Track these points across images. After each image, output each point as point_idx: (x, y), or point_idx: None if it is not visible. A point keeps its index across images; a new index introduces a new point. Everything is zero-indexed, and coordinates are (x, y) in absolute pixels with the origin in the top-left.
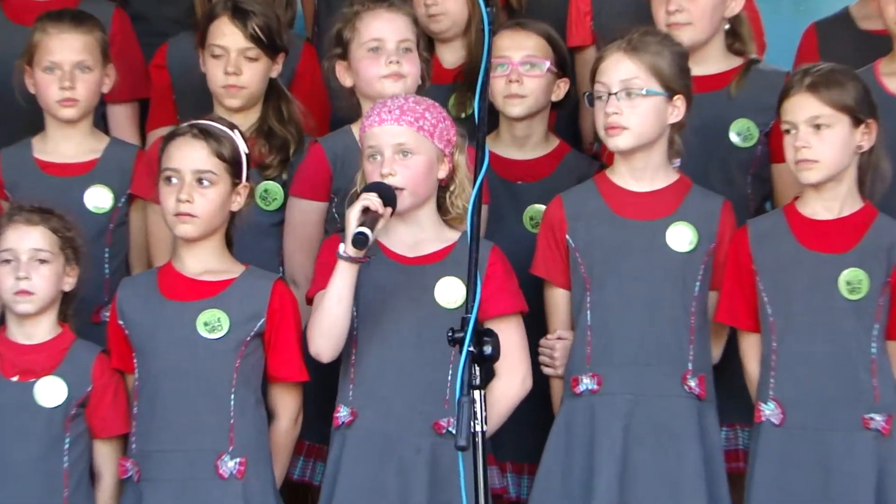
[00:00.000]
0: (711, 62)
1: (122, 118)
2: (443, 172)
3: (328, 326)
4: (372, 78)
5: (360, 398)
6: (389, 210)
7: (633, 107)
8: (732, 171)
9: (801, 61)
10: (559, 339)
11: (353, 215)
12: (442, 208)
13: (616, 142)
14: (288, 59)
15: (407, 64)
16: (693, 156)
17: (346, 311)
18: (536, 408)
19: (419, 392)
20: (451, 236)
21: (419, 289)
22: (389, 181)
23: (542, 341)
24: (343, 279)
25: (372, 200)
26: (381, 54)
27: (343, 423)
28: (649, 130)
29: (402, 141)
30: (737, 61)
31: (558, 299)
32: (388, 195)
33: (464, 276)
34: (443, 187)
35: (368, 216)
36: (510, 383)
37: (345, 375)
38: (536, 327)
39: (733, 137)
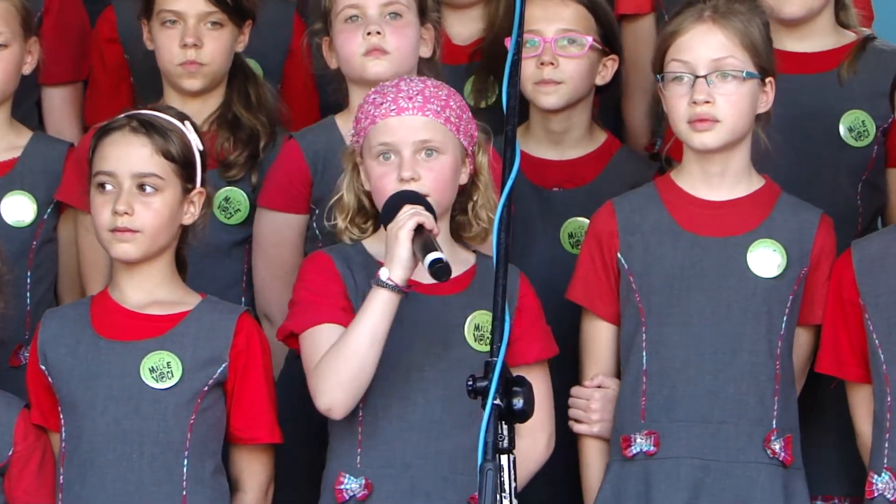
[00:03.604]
0: (819, 37)
1: (60, 104)
2: (465, 176)
3: (354, 373)
4: (349, 55)
5: (375, 466)
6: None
7: (727, 94)
8: (841, 175)
9: None
10: (599, 387)
11: (405, 235)
12: (455, 222)
13: (704, 139)
14: (277, 31)
15: (393, 35)
16: (787, 153)
17: (377, 354)
18: (554, 471)
19: (451, 457)
20: (467, 258)
21: (445, 326)
22: (411, 187)
23: (576, 390)
24: (383, 314)
25: (426, 216)
26: (360, 24)
27: (353, 496)
28: (743, 123)
29: (426, 137)
30: (847, 37)
31: (601, 336)
32: (427, 206)
33: None
34: (459, 196)
35: (424, 237)
36: (535, 444)
37: (346, 435)
38: (563, 369)
39: (844, 133)
